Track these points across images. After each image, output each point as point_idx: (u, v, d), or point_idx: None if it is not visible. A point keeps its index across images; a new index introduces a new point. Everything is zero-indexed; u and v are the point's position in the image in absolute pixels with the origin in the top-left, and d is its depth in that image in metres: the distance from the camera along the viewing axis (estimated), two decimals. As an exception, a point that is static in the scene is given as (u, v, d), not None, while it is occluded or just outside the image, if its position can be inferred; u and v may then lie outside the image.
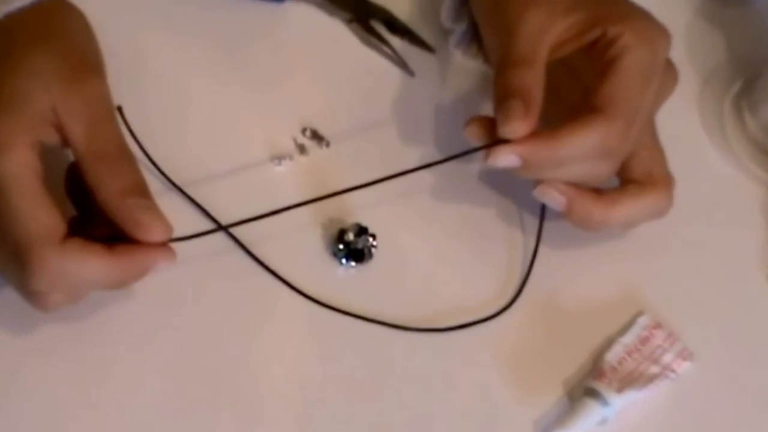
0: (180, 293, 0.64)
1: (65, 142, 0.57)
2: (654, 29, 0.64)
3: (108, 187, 0.56)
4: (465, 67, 0.74)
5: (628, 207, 0.65)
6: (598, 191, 0.65)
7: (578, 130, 0.61)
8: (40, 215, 0.55)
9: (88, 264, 0.55)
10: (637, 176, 0.66)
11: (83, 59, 0.60)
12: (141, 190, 0.57)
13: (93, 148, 0.57)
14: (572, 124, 0.62)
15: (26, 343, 0.61)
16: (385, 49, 0.74)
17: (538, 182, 0.65)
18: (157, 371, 0.61)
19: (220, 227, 0.63)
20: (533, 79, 0.62)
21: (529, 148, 0.62)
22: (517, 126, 0.61)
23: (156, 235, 0.56)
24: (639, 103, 0.63)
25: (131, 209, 0.56)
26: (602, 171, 0.64)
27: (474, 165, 0.71)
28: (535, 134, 0.62)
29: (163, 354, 0.62)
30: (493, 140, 0.62)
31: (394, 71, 0.74)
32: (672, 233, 0.70)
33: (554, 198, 0.65)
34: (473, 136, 0.64)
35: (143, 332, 0.62)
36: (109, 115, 0.58)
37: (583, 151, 0.62)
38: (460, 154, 0.64)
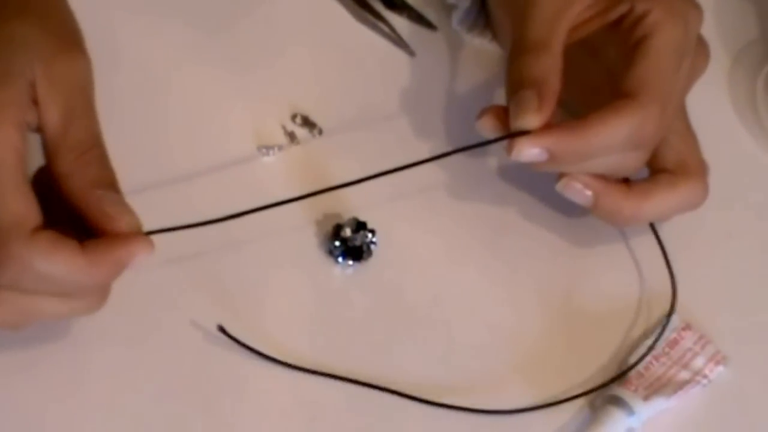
0: (155, 302, 0.63)
1: (38, 123, 0.56)
2: (685, 3, 0.64)
3: (77, 178, 0.56)
4: (470, 45, 0.74)
5: (660, 200, 0.65)
6: (626, 183, 0.65)
7: (610, 119, 0.61)
8: (13, 201, 0.54)
9: (58, 260, 0.54)
10: (670, 165, 0.65)
11: (68, 34, 0.59)
12: (111, 185, 0.57)
13: (68, 134, 0.56)
14: (603, 112, 0.61)
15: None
16: (382, 26, 0.74)
17: (561, 175, 0.64)
18: (133, 391, 0.61)
19: (186, 226, 0.60)
20: (549, 67, 0.62)
21: (555, 140, 0.61)
22: (529, 119, 0.61)
23: (123, 227, 0.56)
24: (673, 86, 0.63)
25: (99, 201, 0.56)
26: (633, 162, 0.64)
27: (488, 155, 0.70)
28: (561, 125, 0.61)
29: (139, 371, 0.62)
30: (511, 132, 0.62)
31: (392, 51, 0.74)
32: (701, 224, 0.69)
33: (580, 192, 0.64)
34: (488, 130, 0.63)
35: (115, 348, 0.62)
36: (90, 100, 0.58)
37: (615, 141, 0.61)
38: (473, 145, 0.64)
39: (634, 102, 0.61)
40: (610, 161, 0.63)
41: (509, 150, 0.61)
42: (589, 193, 0.64)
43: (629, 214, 0.64)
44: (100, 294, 0.58)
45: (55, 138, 0.56)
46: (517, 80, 0.62)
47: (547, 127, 0.61)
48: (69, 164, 0.56)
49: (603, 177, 0.64)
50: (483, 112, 0.64)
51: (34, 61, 0.56)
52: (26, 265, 0.54)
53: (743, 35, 0.78)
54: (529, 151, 0.61)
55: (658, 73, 0.62)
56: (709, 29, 0.66)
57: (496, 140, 0.63)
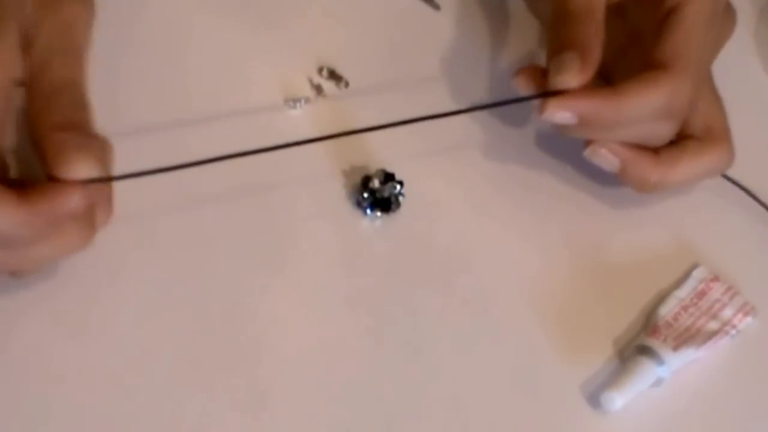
0: (179, 244, 0.63)
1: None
2: None
3: (42, 119, 0.55)
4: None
5: (688, 167, 0.65)
6: (654, 150, 0.65)
7: (643, 89, 0.62)
8: None
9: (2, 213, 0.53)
10: (696, 131, 0.66)
11: None
12: (77, 127, 0.55)
13: (42, 74, 0.56)
14: (636, 81, 0.62)
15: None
16: (407, -21, 0.75)
17: (588, 141, 0.65)
18: (143, 324, 0.61)
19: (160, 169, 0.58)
20: (594, 33, 0.63)
21: (587, 104, 0.62)
22: (570, 77, 0.61)
23: (72, 171, 0.54)
24: (704, 56, 0.64)
25: (59, 144, 0.54)
26: (664, 131, 0.64)
27: (516, 110, 0.70)
28: (594, 90, 0.62)
29: (150, 306, 0.62)
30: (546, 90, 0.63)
31: (417, 4, 0.74)
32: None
33: (607, 159, 0.65)
34: (522, 87, 0.64)
35: (127, 285, 0.62)
36: (75, 42, 0.58)
37: (647, 111, 0.62)
38: (504, 101, 0.65)
39: (667, 73, 0.61)
40: (641, 130, 0.64)
41: (542, 109, 0.62)
42: (616, 159, 0.65)
43: (656, 181, 0.65)
44: (73, 232, 0.56)
45: (33, 76, 0.56)
46: (560, 43, 0.62)
47: (581, 91, 0.62)
48: (37, 104, 0.55)
49: (631, 144, 0.65)
50: (520, 71, 0.64)
51: (25, 5, 0.56)
52: None
53: (770, -13, 0.79)
54: (561, 113, 0.62)
55: (691, 44, 0.62)
56: (733, -20, 0.67)
57: (528, 98, 0.64)
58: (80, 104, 0.56)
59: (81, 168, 0.54)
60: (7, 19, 0.56)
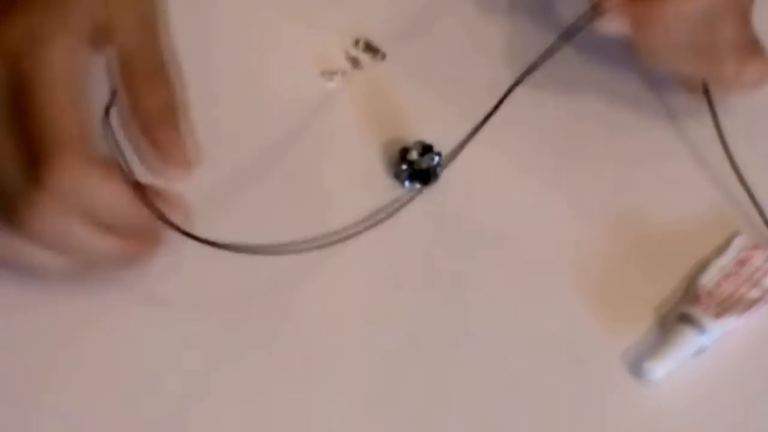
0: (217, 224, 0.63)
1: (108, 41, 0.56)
2: None
3: (144, 104, 0.56)
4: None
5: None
6: None
7: None
8: (75, 116, 0.54)
9: (109, 188, 0.54)
10: None
11: None
12: (169, 115, 0.57)
13: (137, 59, 0.56)
14: None
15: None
16: (442, -52, 0.74)
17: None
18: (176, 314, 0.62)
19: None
20: None
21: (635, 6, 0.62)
22: None
23: (176, 161, 0.56)
24: None
25: (157, 135, 0.56)
26: (725, 31, 0.63)
27: (552, 76, 0.70)
28: None
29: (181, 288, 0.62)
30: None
31: (451, -27, 0.74)
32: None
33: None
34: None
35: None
36: (159, 26, 0.58)
37: (703, 6, 0.62)
38: (551, 49, 0.66)
39: None
40: (703, 32, 0.63)
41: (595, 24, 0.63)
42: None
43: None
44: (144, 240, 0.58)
45: (121, 66, 0.56)
46: None
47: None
48: (137, 87, 0.56)
49: None
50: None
51: None
52: (78, 186, 0.53)
53: None
54: (614, 22, 0.63)
55: None
56: None
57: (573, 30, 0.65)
58: (170, 84, 0.57)
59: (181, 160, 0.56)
60: (76, 7, 0.55)
